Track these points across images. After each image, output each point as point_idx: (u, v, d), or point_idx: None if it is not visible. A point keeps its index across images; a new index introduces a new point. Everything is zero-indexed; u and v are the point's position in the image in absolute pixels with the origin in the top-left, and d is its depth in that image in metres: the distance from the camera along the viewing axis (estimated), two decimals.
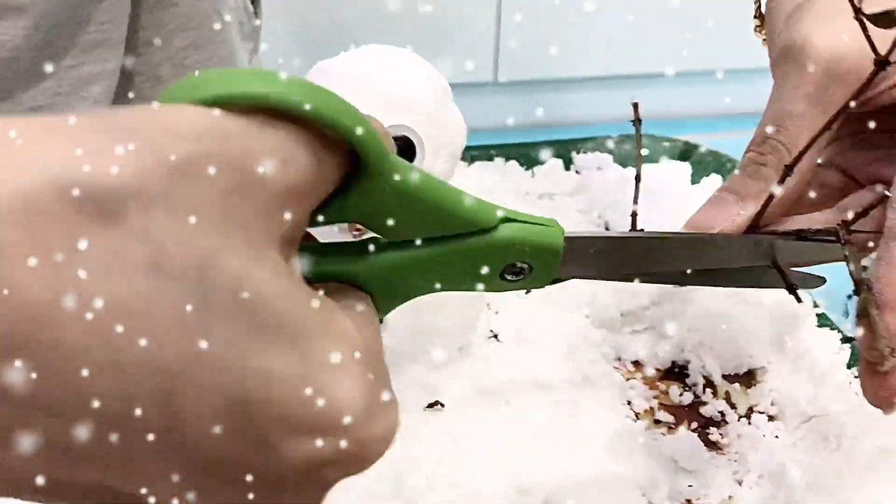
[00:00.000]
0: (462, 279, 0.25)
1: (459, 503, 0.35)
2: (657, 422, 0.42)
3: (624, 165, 0.60)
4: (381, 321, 0.24)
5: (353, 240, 0.24)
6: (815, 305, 0.48)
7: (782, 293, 0.48)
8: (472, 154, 0.60)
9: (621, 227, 0.55)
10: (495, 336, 0.46)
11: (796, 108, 0.32)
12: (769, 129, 0.33)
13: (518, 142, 0.61)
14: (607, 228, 0.55)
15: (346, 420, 0.19)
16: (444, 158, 0.38)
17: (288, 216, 0.19)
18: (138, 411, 0.17)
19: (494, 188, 0.57)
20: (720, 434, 0.41)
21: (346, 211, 0.22)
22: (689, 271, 0.32)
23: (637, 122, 0.38)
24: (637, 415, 0.42)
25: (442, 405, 0.40)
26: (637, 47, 1.40)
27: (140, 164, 0.17)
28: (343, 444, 0.19)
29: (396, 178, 0.21)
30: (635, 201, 0.36)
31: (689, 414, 0.42)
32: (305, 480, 0.19)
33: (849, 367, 0.44)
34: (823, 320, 0.47)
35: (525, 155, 0.61)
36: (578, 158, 0.60)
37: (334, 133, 0.20)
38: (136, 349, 0.17)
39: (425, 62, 0.38)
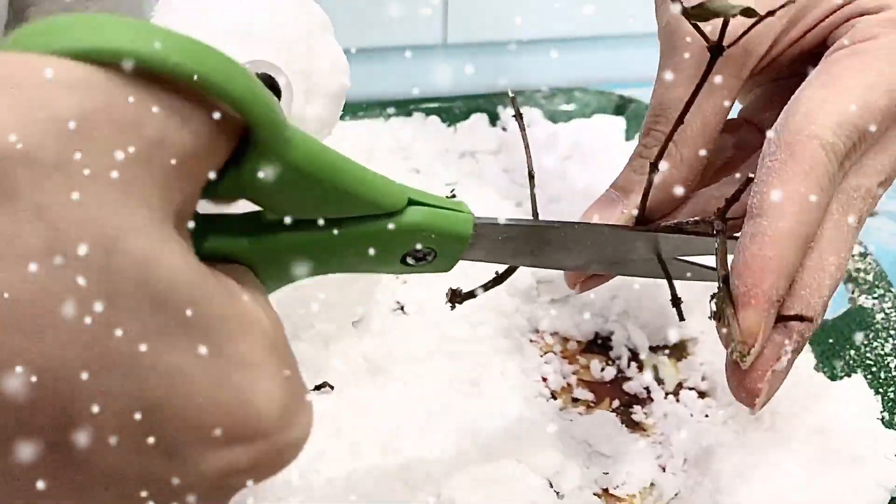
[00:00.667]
0: (359, 262, 0.24)
1: (334, 501, 0.30)
2: (575, 400, 0.37)
3: (555, 121, 0.56)
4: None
5: (239, 213, 0.21)
6: None
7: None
8: (389, 110, 0.55)
9: (548, 187, 0.50)
10: (401, 308, 0.41)
11: (675, 95, 0.31)
12: (650, 120, 0.32)
13: (440, 96, 0.56)
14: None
15: (264, 426, 0.17)
16: (320, 103, 0.33)
17: (183, 188, 0.17)
18: (25, 420, 0.15)
19: (411, 145, 0.52)
20: (644, 413, 0.37)
21: (237, 187, 0.19)
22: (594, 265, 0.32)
23: (518, 116, 0.36)
24: (553, 393, 0.38)
25: (331, 387, 0.35)
26: (598, 8, 1.34)
27: (27, 122, 0.15)
28: (259, 451, 0.18)
29: (292, 152, 0.19)
30: (532, 191, 0.35)
31: (611, 391, 0.38)
32: (213, 489, 0.18)
33: None
34: None
35: (447, 110, 0.56)
36: (505, 114, 0.55)
37: (221, 98, 0.17)
38: (28, 348, 0.14)
39: None
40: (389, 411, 0.34)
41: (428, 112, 0.55)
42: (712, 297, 0.28)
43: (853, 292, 0.40)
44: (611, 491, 0.34)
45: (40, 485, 0.15)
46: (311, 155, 0.20)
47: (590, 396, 0.38)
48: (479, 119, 0.55)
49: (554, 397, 0.37)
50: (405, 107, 0.55)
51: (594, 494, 0.33)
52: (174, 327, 0.16)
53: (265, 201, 0.20)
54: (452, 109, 0.56)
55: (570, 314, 0.41)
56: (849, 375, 0.37)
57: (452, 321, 0.39)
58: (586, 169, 0.51)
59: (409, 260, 0.25)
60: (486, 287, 0.36)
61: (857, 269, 0.41)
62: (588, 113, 0.56)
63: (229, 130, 0.18)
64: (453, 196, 0.38)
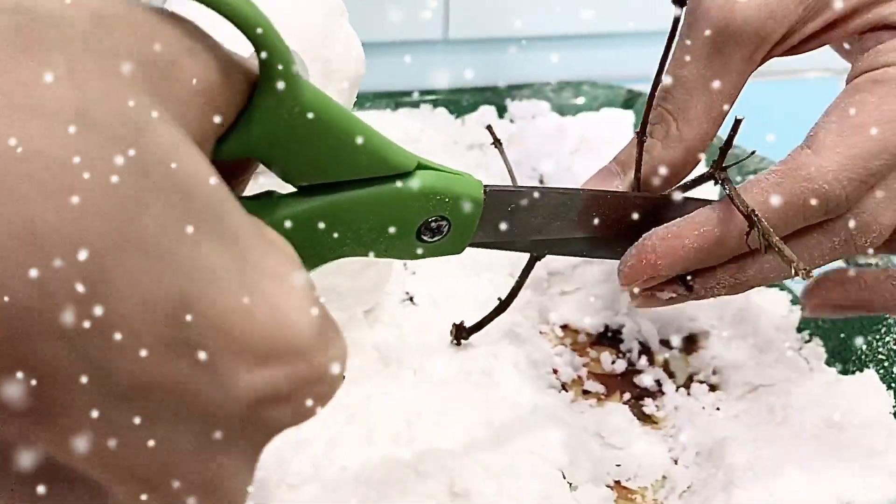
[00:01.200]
0: (376, 237, 0.23)
1: (346, 489, 0.30)
2: (586, 392, 0.37)
3: (562, 114, 0.55)
4: None
5: (250, 195, 0.21)
6: None
7: None
8: (398, 100, 0.55)
9: (556, 179, 0.50)
10: (410, 298, 0.41)
11: (683, 73, 0.30)
12: (658, 96, 0.31)
13: (449, 88, 0.56)
14: (541, 182, 0.50)
15: (300, 342, 0.16)
16: (336, 90, 0.32)
17: (200, 117, 0.17)
18: (51, 302, 0.13)
19: (420, 137, 0.52)
20: (656, 406, 0.37)
21: (247, 143, 0.19)
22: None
23: (497, 142, 0.37)
24: (564, 385, 0.37)
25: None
26: (598, 6, 1.34)
27: None
28: (298, 373, 0.16)
29: (303, 94, 0.19)
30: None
31: (621, 384, 0.38)
32: (249, 423, 0.16)
33: (798, 330, 0.40)
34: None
35: (455, 102, 0.55)
36: (513, 106, 0.55)
37: (237, 23, 0.17)
38: (54, 213, 0.13)
39: None
40: (402, 401, 0.33)
41: (436, 104, 0.55)
42: (748, 234, 0.28)
43: None
44: (623, 483, 0.33)
45: (67, 397, 0.14)
46: (321, 101, 0.19)
47: (600, 389, 0.37)
48: (487, 111, 0.54)
49: (565, 389, 0.37)
50: (413, 99, 0.55)
51: (606, 486, 0.33)
52: (203, 222, 0.15)
53: (276, 157, 0.19)
54: (460, 101, 0.55)
55: (580, 307, 0.41)
56: (861, 370, 0.37)
57: (463, 312, 0.39)
58: (594, 162, 0.51)
59: (425, 236, 0.24)
60: (490, 318, 0.36)
61: (870, 264, 0.41)
62: (596, 106, 0.56)
63: (243, 72, 0.18)
64: None
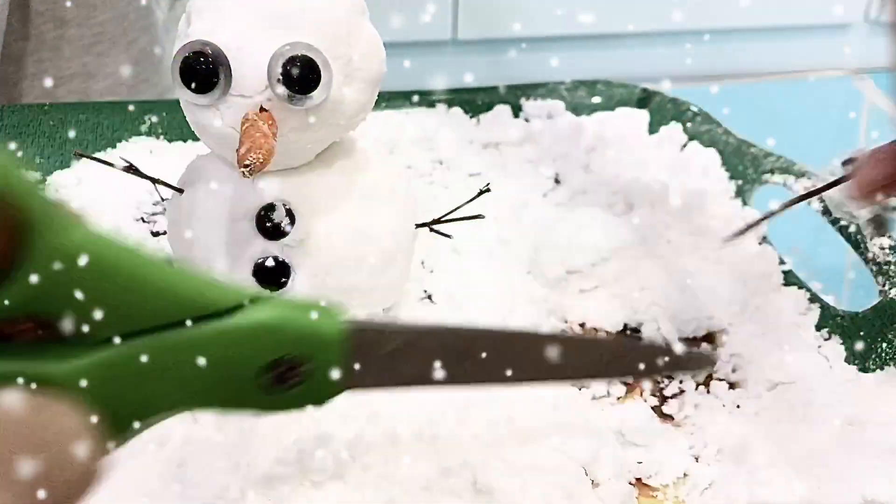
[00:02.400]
0: (210, 388, 0.19)
1: (370, 488, 0.30)
2: (605, 391, 0.37)
3: (577, 113, 0.55)
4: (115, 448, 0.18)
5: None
6: (782, 262, 0.43)
7: (743, 249, 0.44)
8: (412, 99, 0.55)
9: (572, 179, 0.50)
10: (429, 297, 0.41)
11: None
12: None
13: (462, 87, 0.56)
14: (557, 181, 0.50)
15: None
16: (358, 87, 0.32)
17: None
18: None
19: (435, 136, 0.52)
20: (676, 404, 0.37)
21: (20, 298, 0.17)
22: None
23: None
24: (581, 383, 0.37)
25: None
26: (602, 6, 1.34)
27: None
28: None
29: (70, 240, 0.16)
30: None
31: (640, 382, 0.38)
32: None
33: (818, 329, 0.40)
34: (790, 278, 0.43)
35: (469, 101, 0.55)
36: (528, 105, 0.55)
37: None
38: None
39: None
40: (424, 398, 0.33)
41: (450, 103, 0.55)
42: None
43: (884, 285, 0.40)
44: (644, 480, 0.33)
45: None
46: (97, 244, 0.17)
47: (621, 387, 0.37)
48: (502, 110, 0.54)
49: (583, 387, 0.37)
50: (428, 98, 0.55)
51: (628, 483, 0.33)
52: None
53: (57, 310, 0.17)
54: (475, 101, 0.55)
55: (599, 304, 0.41)
56: (881, 368, 0.37)
57: (482, 310, 0.39)
58: (611, 161, 0.51)
59: (272, 381, 0.20)
60: None
61: (888, 262, 0.40)
62: (611, 105, 0.56)
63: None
64: (487, 191, 0.38)
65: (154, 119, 0.51)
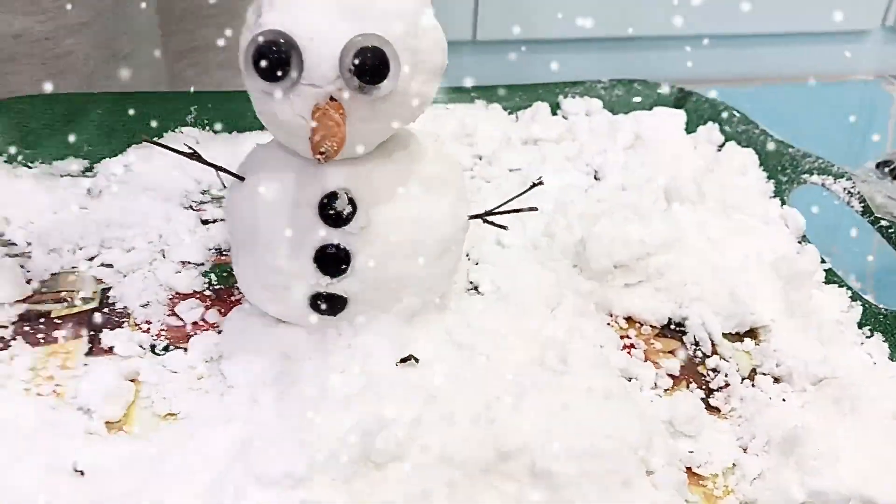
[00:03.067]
0: None
1: (433, 469, 0.31)
2: (653, 382, 0.38)
3: (614, 112, 0.56)
4: None
5: None
6: (823, 261, 0.44)
7: (786, 248, 0.45)
8: (452, 95, 0.55)
9: (611, 175, 0.51)
10: (475, 288, 0.42)
11: None
12: None
13: (501, 84, 0.57)
14: (597, 178, 0.51)
15: None
16: (423, 78, 0.33)
17: None
18: None
19: (475, 131, 0.53)
20: (722, 396, 0.37)
21: None
22: None
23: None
24: (633, 375, 0.38)
25: (416, 360, 0.36)
26: (619, 9, 1.35)
27: None
28: None
29: None
30: None
31: (687, 374, 0.39)
32: None
33: (860, 326, 0.41)
34: (831, 276, 0.43)
35: (508, 98, 0.56)
36: (566, 103, 0.56)
37: None
38: None
39: None
40: (478, 384, 0.34)
41: (490, 100, 0.56)
42: None
43: None
44: (694, 470, 0.34)
45: None
46: None
47: (667, 379, 0.38)
48: (541, 108, 0.55)
49: (631, 378, 0.38)
50: (467, 94, 0.56)
51: (680, 472, 0.33)
52: None
53: None
54: (514, 98, 0.56)
55: (643, 299, 0.41)
56: None
57: (529, 302, 0.40)
58: (649, 160, 0.52)
59: None
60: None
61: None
62: (648, 105, 0.56)
63: None
64: (540, 184, 0.38)
65: (200, 110, 0.52)
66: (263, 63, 0.30)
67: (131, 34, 0.59)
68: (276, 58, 0.30)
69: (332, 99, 0.31)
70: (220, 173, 0.36)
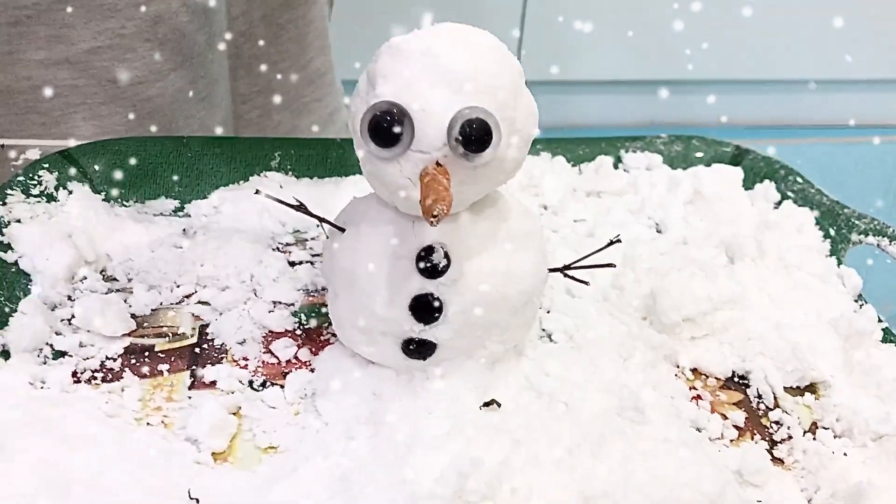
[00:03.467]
0: None
1: None
2: (720, 433, 0.40)
3: (672, 167, 0.59)
4: None
5: None
6: (880, 320, 0.46)
7: (843, 306, 0.47)
8: None
9: (673, 229, 0.53)
10: (548, 336, 0.44)
11: None
12: None
13: (565, 136, 0.60)
14: (659, 231, 0.53)
15: None
16: (518, 145, 0.36)
17: None
18: None
19: (541, 182, 0.56)
20: (785, 448, 0.39)
21: None
22: None
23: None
24: (701, 425, 0.40)
25: (499, 404, 0.38)
26: (656, 53, 1.38)
27: None
28: None
29: None
30: None
31: (751, 426, 0.41)
32: None
33: None
34: (889, 335, 0.45)
35: (571, 150, 0.59)
36: (627, 157, 0.59)
37: None
38: None
39: (501, 43, 0.36)
40: (559, 430, 0.36)
41: (554, 152, 0.59)
42: None
43: None
44: None
45: None
46: None
47: (733, 430, 0.40)
48: (604, 161, 0.58)
49: (699, 428, 0.40)
50: (533, 146, 0.59)
51: None
52: None
53: None
54: (577, 150, 0.59)
55: (709, 352, 0.43)
56: None
57: (603, 352, 0.42)
58: (708, 215, 0.54)
59: None
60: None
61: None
62: (706, 161, 0.59)
63: None
64: (618, 241, 0.41)
65: (283, 156, 0.55)
66: (379, 131, 0.33)
67: (208, 78, 0.62)
68: (391, 126, 0.33)
69: (437, 164, 0.34)
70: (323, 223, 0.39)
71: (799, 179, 0.56)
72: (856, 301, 0.48)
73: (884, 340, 0.45)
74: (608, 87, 1.48)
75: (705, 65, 1.35)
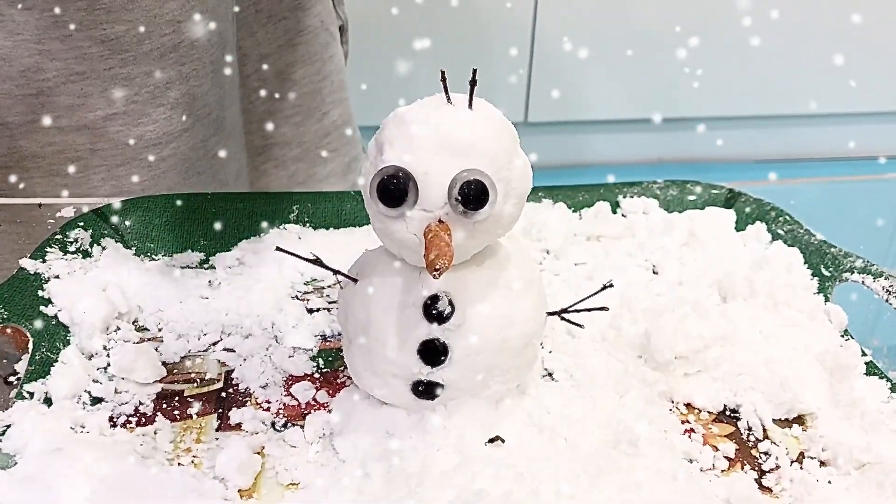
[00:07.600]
0: None
1: None
2: (710, 464, 0.43)
3: (669, 210, 0.62)
4: None
5: None
6: (864, 353, 0.48)
7: (830, 341, 0.49)
8: None
9: (668, 270, 0.56)
10: (550, 374, 0.47)
11: None
12: None
13: (565, 184, 0.63)
14: (655, 272, 0.56)
15: None
16: (513, 202, 0.39)
17: None
18: None
19: (544, 228, 0.59)
20: (773, 478, 0.42)
21: None
22: None
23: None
24: (693, 457, 0.43)
25: (503, 440, 0.41)
26: (663, 92, 1.42)
27: None
28: None
29: None
30: None
31: (741, 457, 0.43)
32: None
33: None
34: (872, 369, 0.48)
35: (571, 197, 0.62)
36: (625, 203, 0.62)
37: None
38: None
39: (496, 110, 0.40)
40: (559, 464, 0.39)
41: (555, 199, 0.62)
42: None
43: None
44: None
45: None
46: None
47: (724, 461, 0.43)
48: (603, 207, 0.61)
49: (692, 460, 0.43)
50: (535, 193, 0.62)
51: None
52: None
53: None
54: (577, 197, 0.62)
55: (702, 387, 0.46)
56: None
57: (601, 389, 0.45)
58: (703, 256, 0.57)
59: None
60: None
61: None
62: (700, 204, 0.62)
63: None
64: (611, 286, 0.44)
65: (301, 209, 0.59)
66: (386, 192, 0.37)
67: (222, 134, 0.66)
68: (397, 189, 0.37)
69: (440, 221, 0.37)
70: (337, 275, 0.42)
71: (788, 219, 0.59)
72: (842, 336, 0.51)
73: (867, 373, 0.48)
74: (614, 126, 1.52)
75: (718, 102, 1.39)
